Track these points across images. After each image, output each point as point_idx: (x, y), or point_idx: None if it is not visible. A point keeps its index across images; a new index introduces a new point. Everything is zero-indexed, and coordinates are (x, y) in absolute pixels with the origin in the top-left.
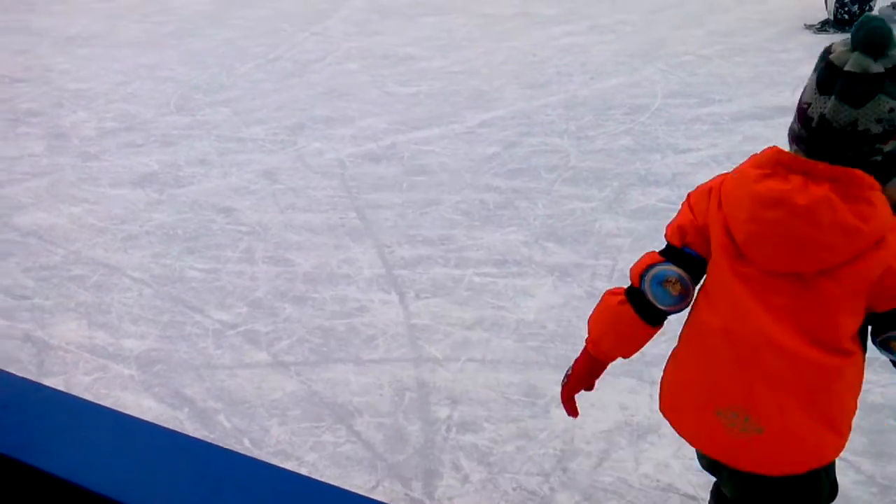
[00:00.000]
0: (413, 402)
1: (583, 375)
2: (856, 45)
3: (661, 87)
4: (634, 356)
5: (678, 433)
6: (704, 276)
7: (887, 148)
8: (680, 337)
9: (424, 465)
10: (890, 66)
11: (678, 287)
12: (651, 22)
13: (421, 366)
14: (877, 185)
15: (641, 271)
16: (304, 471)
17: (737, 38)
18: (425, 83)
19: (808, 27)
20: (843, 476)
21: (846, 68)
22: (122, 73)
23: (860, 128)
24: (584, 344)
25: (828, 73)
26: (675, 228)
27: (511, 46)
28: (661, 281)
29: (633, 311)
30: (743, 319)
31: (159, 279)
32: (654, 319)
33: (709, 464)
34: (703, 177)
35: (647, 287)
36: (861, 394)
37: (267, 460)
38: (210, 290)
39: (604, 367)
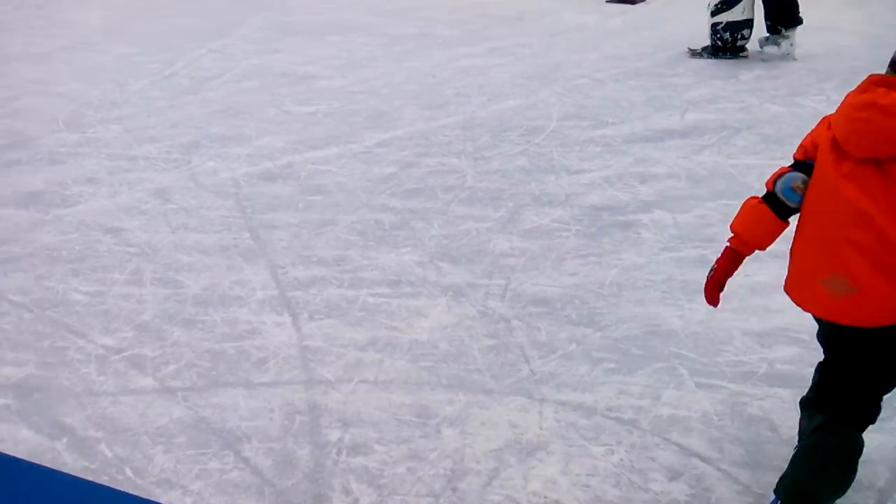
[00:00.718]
0: (304, 425)
1: (726, 268)
2: None
3: (556, 109)
4: (524, 374)
5: (800, 307)
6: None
7: None
8: (795, 233)
9: (314, 489)
10: None
11: (802, 188)
12: (549, 46)
13: (312, 388)
14: None
15: (775, 179)
16: (188, 500)
17: (630, 63)
18: (324, 102)
19: (690, 51)
20: (722, 486)
21: None
22: (7, 89)
23: None
24: (726, 243)
25: None
26: (800, 148)
27: (411, 67)
28: (790, 184)
29: (769, 209)
30: (842, 202)
31: (41, 303)
32: (784, 215)
33: (822, 334)
34: (596, 198)
35: (779, 189)
36: (738, 406)
37: (150, 490)
38: (94, 314)
39: (742, 259)
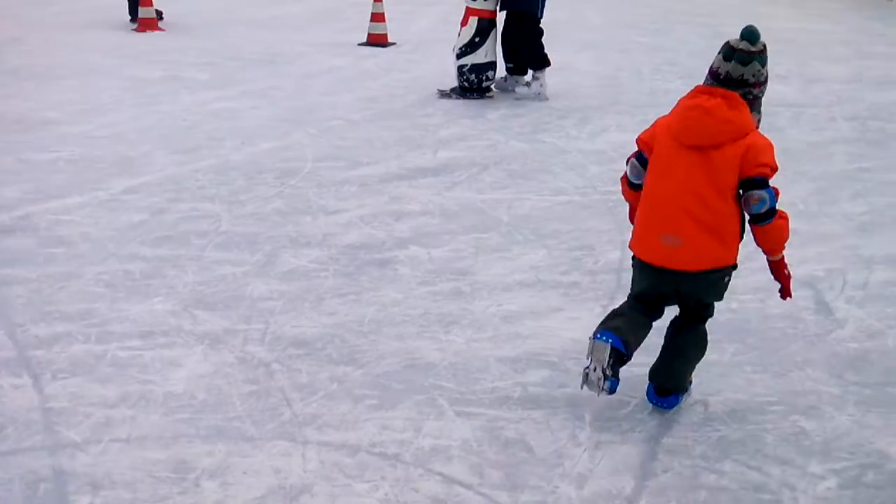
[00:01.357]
0: (49, 493)
1: (631, 218)
2: (742, 38)
3: (311, 150)
4: (286, 417)
5: (641, 258)
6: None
7: (755, 91)
8: (640, 204)
9: None
10: (759, 48)
11: (639, 170)
12: (302, 88)
13: (58, 453)
14: (745, 103)
15: (630, 159)
16: None
17: (383, 104)
18: (66, 149)
19: (440, 92)
20: None
21: (738, 47)
22: None
23: (744, 77)
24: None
25: (730, 51)
26: (640, 140)
27: (161, 111)
28: (634, 168)
29: (629, 187)
30: (675, 178)
31: None
32: (635, 188)
33: (648, 286)
34: (353, 237)
35: (628, 173)
36: (495, 430)
37: None
38: None
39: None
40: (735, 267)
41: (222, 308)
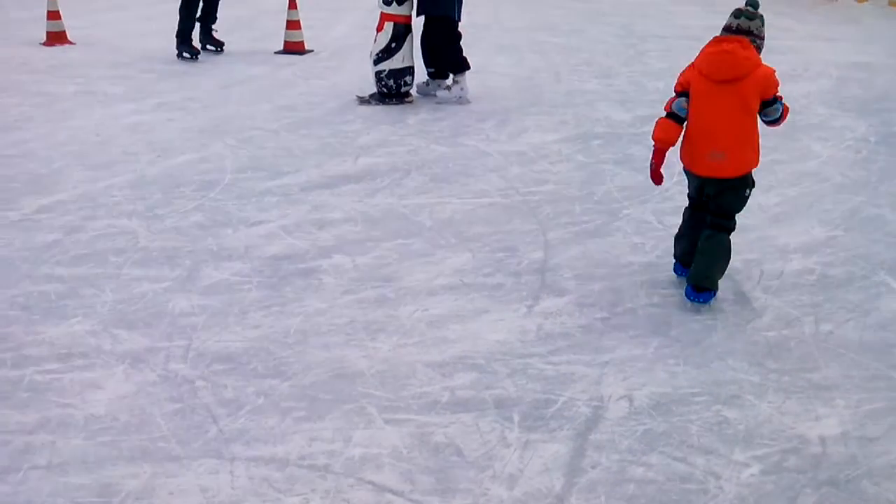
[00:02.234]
0: None
1: (659, 160)
2: (747, 4)
3: (230, 162)
4: (212, 434)
5: (692, 171)
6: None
7: (758, 42)
8: (685, 132)
9: None
10: (759, 13)
11: (686, 106)
12: (219, 98)
13: None
14: (752, 46)
15: (671, 104)
16: None
17: (302, 112)
18: None
19: (359, 99)
20: None
21: (746, 9)
22: None
23: (751, 29)
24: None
25: (739, 12)
26: (677, 84)
27: (73, 126)
28: (682, 104)
29: (672, 121)
30: (715, 107)
31: None
32: (680, 123)
33: (695, 189)
34: (276, 248)
35: (675, 108)
36: (425, 436)
37: None
38: None
39: (664, 153)
40: (754, 183)
41: (143, 326)
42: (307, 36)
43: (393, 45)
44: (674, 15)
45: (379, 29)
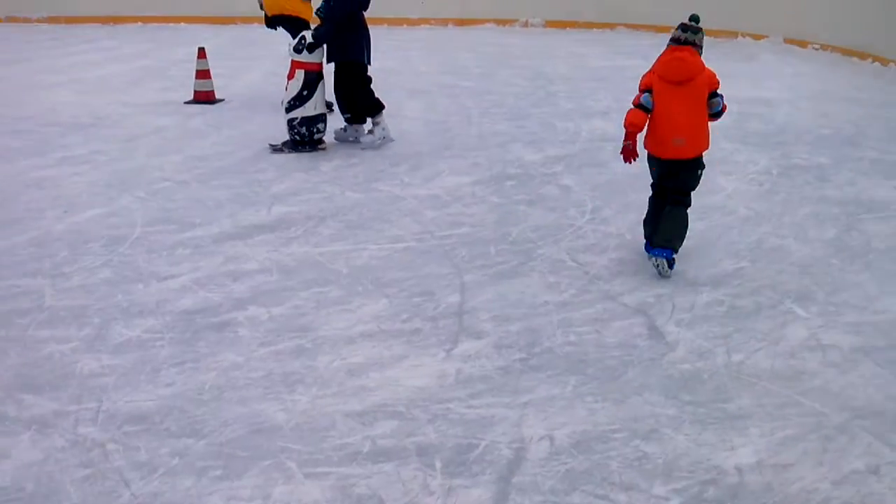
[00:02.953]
0: None
1: (631, 140)
2: (691, 20)
3: (140, 215)
4: (125, 500)
5: (657, 156)
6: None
7: (700, 49)
8: (650, 124)
9: None
10: (700, 27)
11: (653, 101)
12: (128, 151)
13: None
14: (698, 54)
15: (639, 98)
16: None
17: (214, 162)
18: None
19: (271, 147)
20: None
21: (689, 24)
22: None
23: (695, 41)
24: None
25: (685, 27)
26: (641, 83)
27: None
28: (648, 98)
29: (641, 111)
30: (674, 103)
31: None
32: (646, 112)
33: (658, 175)
34: (189, 302)
35: (643, 102)
36: (346, 488)
37: None
38: None
39: (635, 137)
40: (704, 166)
41: (50, 389)
42: (217, 85)
43: (305, 92)
44: (581, 57)
45: (290, 77)
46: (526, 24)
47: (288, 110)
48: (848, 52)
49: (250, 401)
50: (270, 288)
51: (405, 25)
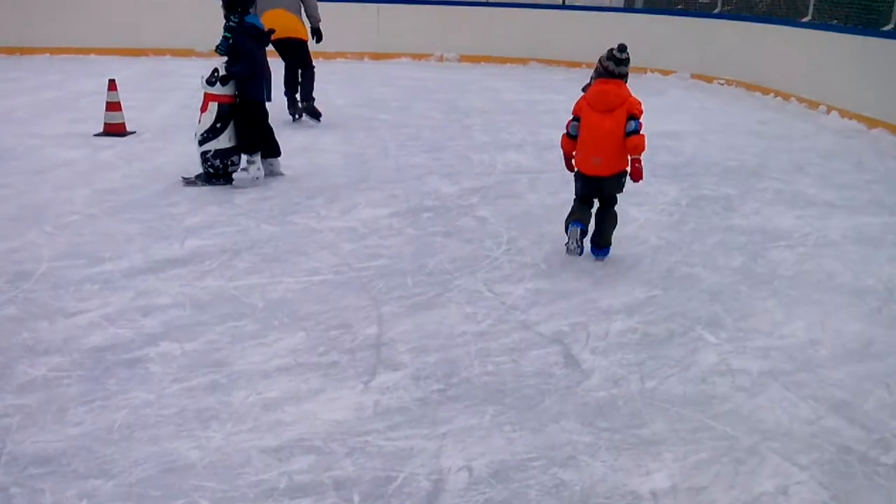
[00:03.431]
0: None
1: (568, 162)
2: (619, 50)
3: (46, 250)
4: None
5: (583, 172)
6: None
7: (626, 79)
8: (579, 144)
9: None
10: (627, 56)
11: (578, 127)
12: (34, 184)
13: None
14: (624, 84)
15: (568, 126)
16: None
17: (125, 195)
18: None
19: (185, 180)
20: None
21: (617, 56)
22: None
23: (621, 72)
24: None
25: (614, 59)
26: (574, 111)
27: None
28: (575, 127)
29: (569, 137)
30: (598, 128)
31: None
32: (574, 138)
33: (583, 185)
34: (98, 338)
35: (570, 129)
36: None
37: None
38: None
39: (570, 157)
40: (626, 172)
41: None
42: (128, 117)
43: (218, 125)
44: (495, 91)
45: (203, 109)
46: (441, 59)
47: (201, 143)
48: (751, 87)
49: (162, 439)
50: (183, 323)
51: (321, 59)
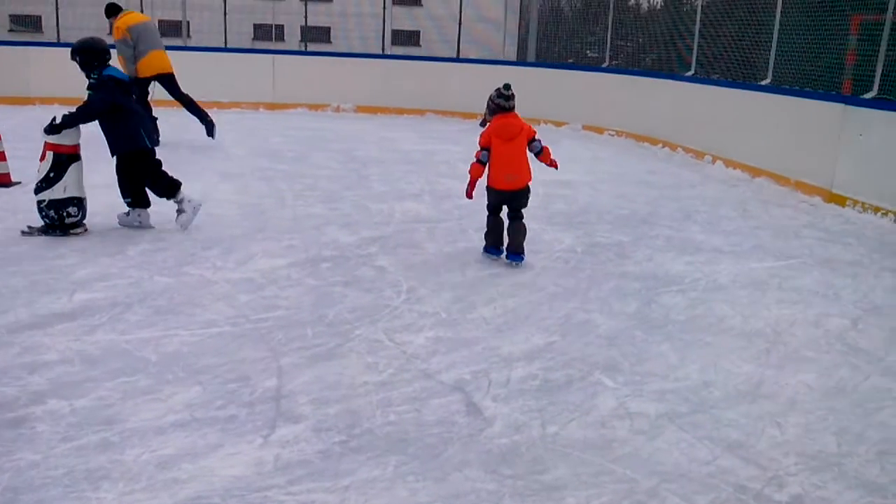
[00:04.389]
0: None
1: (473, 185)
2: (506, 88)
3: None
4: None
5: (497, 189)
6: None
7: (514, 105)
8: (489, 168)
9: None
10: (513, 93)
11: (488, 156)
12: None
13: None
14: (518, 116)
15: (479, 155)
16: None
17: (9, 248)
18: None
19: (28, 229)
20: None
21: (507, 94)
22: None
23: (512, 105)
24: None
25: (506, 97)
26: (482, 142)
27: None
28: (485, 156)
29: (477, 164)
30: (506, 152)
31: None
32: (483, 165)
33: (496, 201)
34: None
35: (481, 158)
36: None
37: None
38: None
39: (475, 183)
40: (529, 188)
41: None
42: (14, 167)
43: (52, 174)
44: (392, 141)
45: (41, 158)
46: (338, 109)
47: (36, 192)
48: (640, 139)
49: (49, 502)
50: (72, 379)
51: (216, 108)
